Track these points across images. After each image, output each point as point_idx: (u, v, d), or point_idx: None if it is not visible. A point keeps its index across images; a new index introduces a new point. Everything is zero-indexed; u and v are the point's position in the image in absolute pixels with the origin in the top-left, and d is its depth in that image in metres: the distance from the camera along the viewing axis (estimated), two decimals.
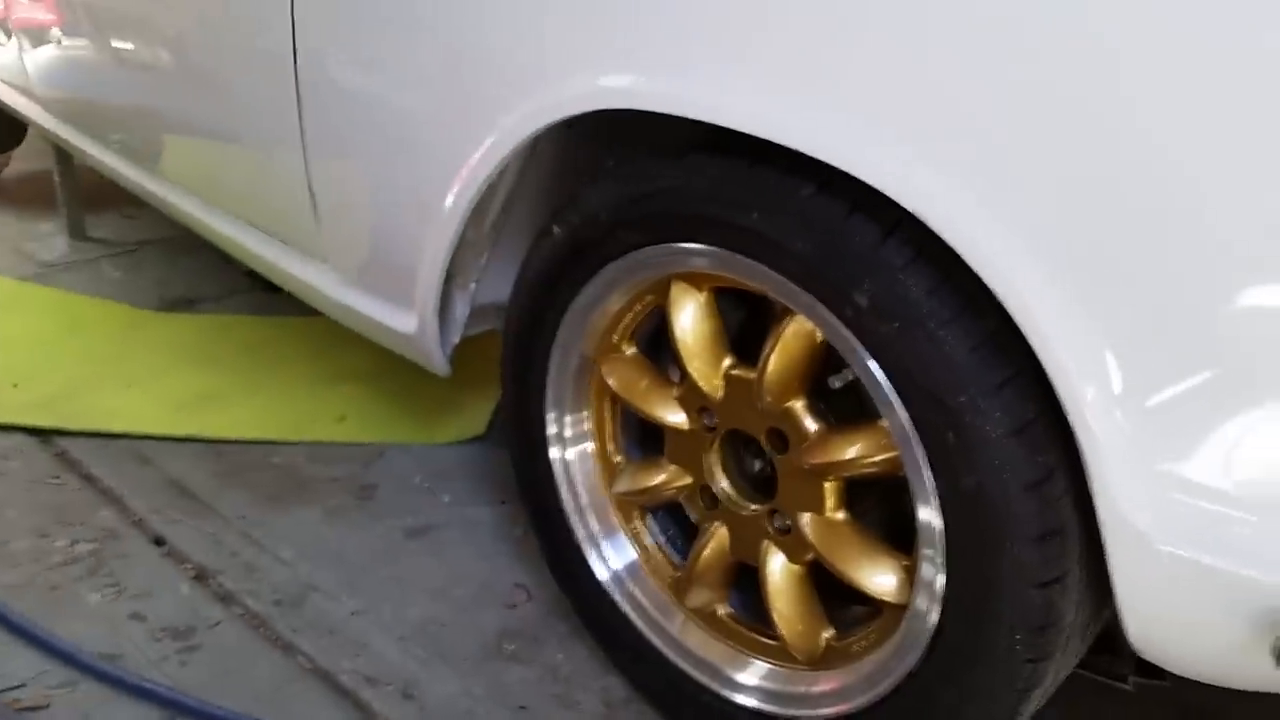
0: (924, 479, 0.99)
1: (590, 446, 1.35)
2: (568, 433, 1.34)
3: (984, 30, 0.83)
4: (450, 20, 1.23)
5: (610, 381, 1.30)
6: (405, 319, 1.49)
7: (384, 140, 1.38)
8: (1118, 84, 0.80)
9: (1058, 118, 0.82)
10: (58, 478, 1.83)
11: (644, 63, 1.04)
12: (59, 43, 2.21)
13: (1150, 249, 0.82)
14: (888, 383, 0.98)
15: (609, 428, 1.35)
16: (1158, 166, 0.80)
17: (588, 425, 1.34)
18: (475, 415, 2.05)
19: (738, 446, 1.24)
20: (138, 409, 2.04)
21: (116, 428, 1.97)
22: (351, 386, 2.16)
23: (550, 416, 1.33)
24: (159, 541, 1.66)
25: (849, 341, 1.00)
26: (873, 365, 0.98)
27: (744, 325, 1.23)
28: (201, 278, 2.64)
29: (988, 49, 0.83)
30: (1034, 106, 0.82)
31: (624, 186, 1.15)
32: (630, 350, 1.29)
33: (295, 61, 1.47)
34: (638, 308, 1.25)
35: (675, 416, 1.25)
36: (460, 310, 1.49)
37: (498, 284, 1.46)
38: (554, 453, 1.34)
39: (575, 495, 1.34)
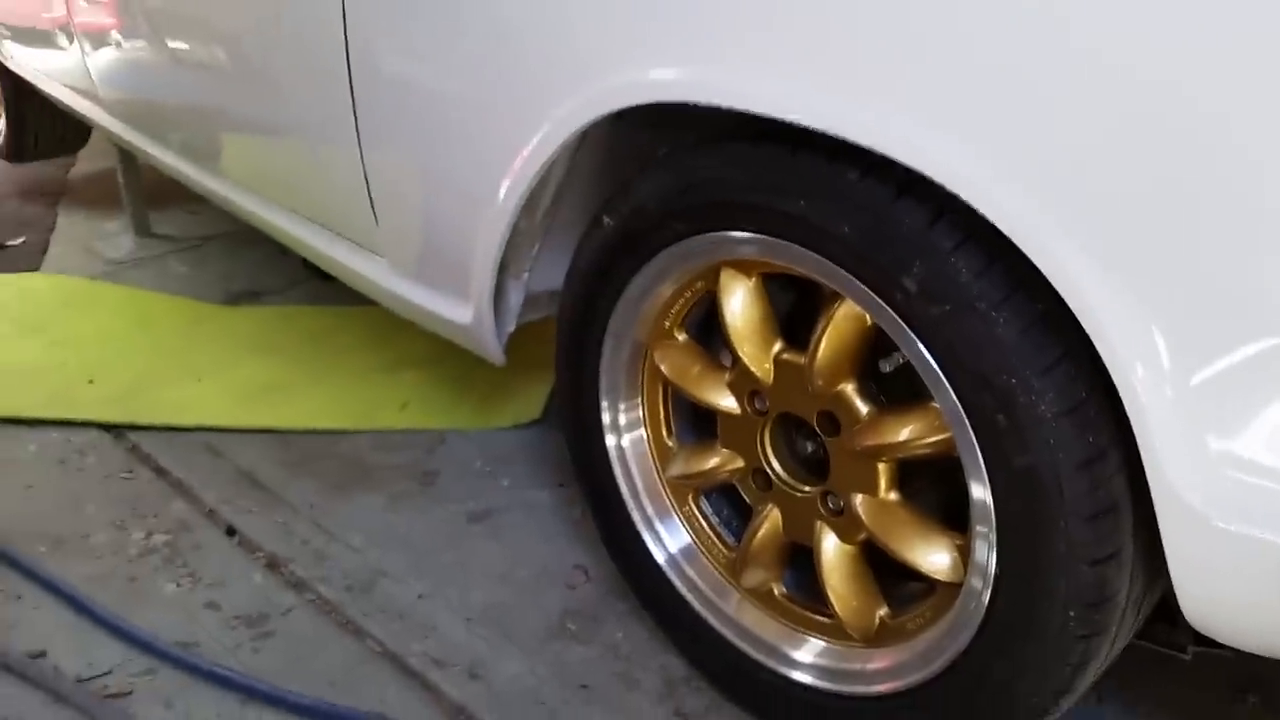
0: (977, 460, 0.99)
1: (644, 433, 1.37)
2: (622, 420, 1.36)
3: (1030, 16, 0.83)
4: (501, 13, 1.24)
5: (663, 368, 1.32)
6: (461, 310, 1.52)
7: (436, 134, 1.41)
8: (1162, 65, 0.79)
9: (1106, 98, 0.82)
10: (131, 472, 1.89)
11: (691, 56, 1.05)
12: (120, 46, 2.27)
13: (1199, 226, 0.82)
14: (938, 366, 0.98)
15: (662, 413, 1.37)
16: (1207, 143, 0.79)
17: (641, 411, 1.36)
18: (532, 400, 2.08)
19: (789, 429, 1.25)
20: (206, 402, 2.10)
21: (186, 421, 2.03)
22: (412, 373, 2.20)
23: (604, 404, 1.35)
24: (231, 531, 1.71)
25: (898, 325, 1.00)
26: (923, 349, 0.99)
27: (794, 308, 1.24)
28: (264, 270, 2.70)
29: (1034, 31, 0.83)
30: (1080, 87, 0.82)
31: (672, 177, 1.16)
32: (682, 337, 1.31)
33: (348, 57, 1.49)
34: (688, 294, 1.27)
35: (727, 401, 1.27)
36: (514, 299, 1.52)
37: (550, 272, 1.48)
38: (609, 440, 1.36)
39: (631, 480, 1.37)
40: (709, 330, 1.31)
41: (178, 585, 1.59)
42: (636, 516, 1.37)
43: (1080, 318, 0.87)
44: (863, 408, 1.13)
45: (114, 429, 2.03)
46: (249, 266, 2.74)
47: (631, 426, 1.37)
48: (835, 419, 1.15)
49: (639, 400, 1.36)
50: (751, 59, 1.00)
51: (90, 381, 2.19)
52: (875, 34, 0.92)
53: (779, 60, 0.98)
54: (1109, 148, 0.83)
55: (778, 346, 1.20)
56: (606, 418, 1.36)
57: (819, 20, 0.95)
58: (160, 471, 1.90)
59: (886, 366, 1.13)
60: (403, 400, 2.11)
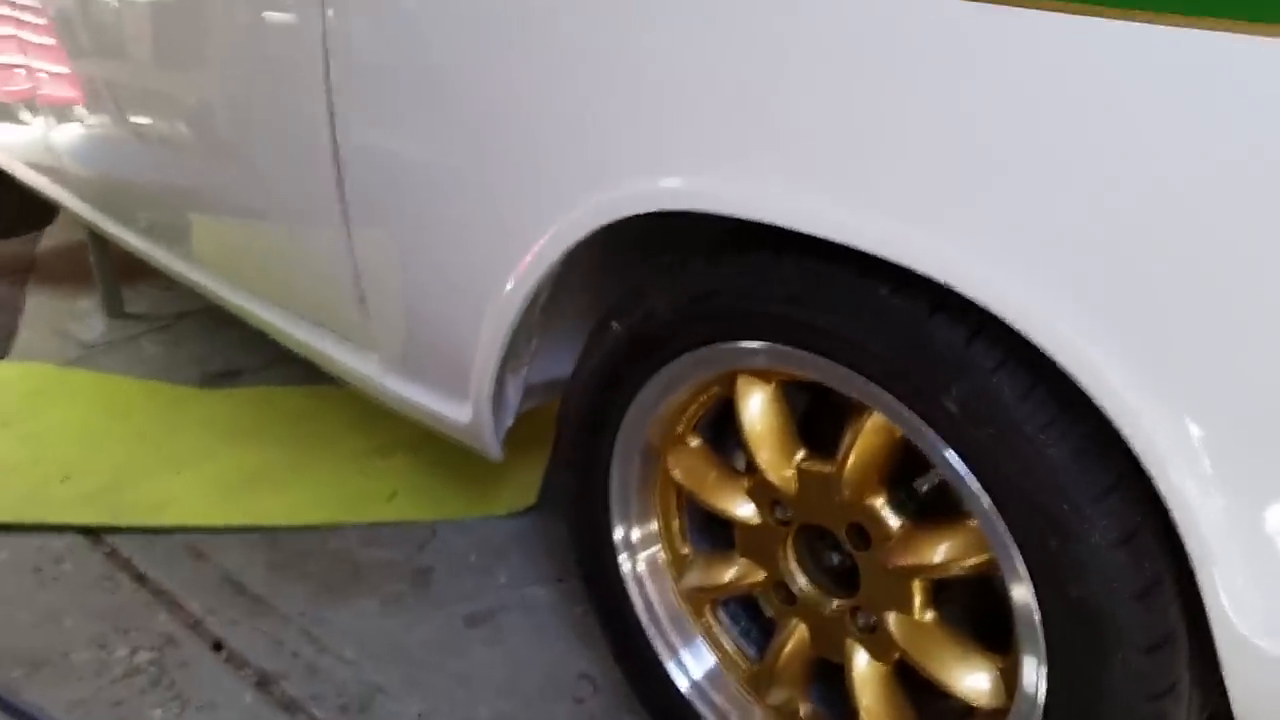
0: (1025, 586, 0.94)
1: (659, 551, 1.31)
2: (635, 536, 1.30)
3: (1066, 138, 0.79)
4: (515, 105, 1.18)
5: (676, 474, 1.26)
6: (459, 409, 1.46)
7: (437, 234, 1.35)
8: (1206, 185, 0.75)
9: (1155, 218, 0.77)
10: (111, 580, 1.81)
11: (716, 166, 1.00)
12: (87, 121, 2.20)
13: (1257, 352, 0.77)
14: (983, 489, 0.93)
15: (676, 520, 1.31)
16: (1270, 270, 0.75)
17: (656, 525, 1.30)
18: (525, 485, 2.02)
19: (814, 539, 1.19)
20: (187, 498, 2.02)
21: (167, 521, 1.95)
22: (400, 458, 2.13)
23: (616, 517, 1.29)
24: (218, 646, 1.63)
25: (937, 445, 0.95)
26: (965, 471, 0.93)
27: (815, 406, 1.19)
28: (241, 348, 2.62)
29: (1069, 154, 0.79)
30: (1124, 206, 0.78)
31: (686, 284, 1.11)
32: (696, 441, 1.25)
33: (334, 138, 1.43)
34: (703, 398, 1.21)
35: (745, 510, 1.21)
36: (513, 394, 1.45)
37: (547, 363, 1.43)
38: (623, 561, 1.30)
39: (648, 602, 1.30)
40: (724, 430, 1.26)
41: (164, 710, 1.51)
42: (652, 633, 1.30)
43: (1131, 443, 0.83)
44: (894, 522, 1.08)
45: (91, 532, 1.94)
46: (225, 345, 2.66)
47: (646, 544, 1.30)
48: (865, 532, 1.10)
49: (653, 514, 1.30)
50: (779, 171, 0.96)
51: (65, 479, 2.10)
52: (906, 151, 0.87)
53: (809, 174, 0.94)
54: (1157, 268, 0.78)
55: (800, 455, 1.15)
56: (618, 534, 1.29)
57: (850, 138, 0.90)
58: (141, 579, 1.82)
59: (923, 486, 1.07)
60: (391, 489, 2.04)
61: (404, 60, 1.28)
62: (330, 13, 1.33)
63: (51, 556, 1.88)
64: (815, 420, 1.19)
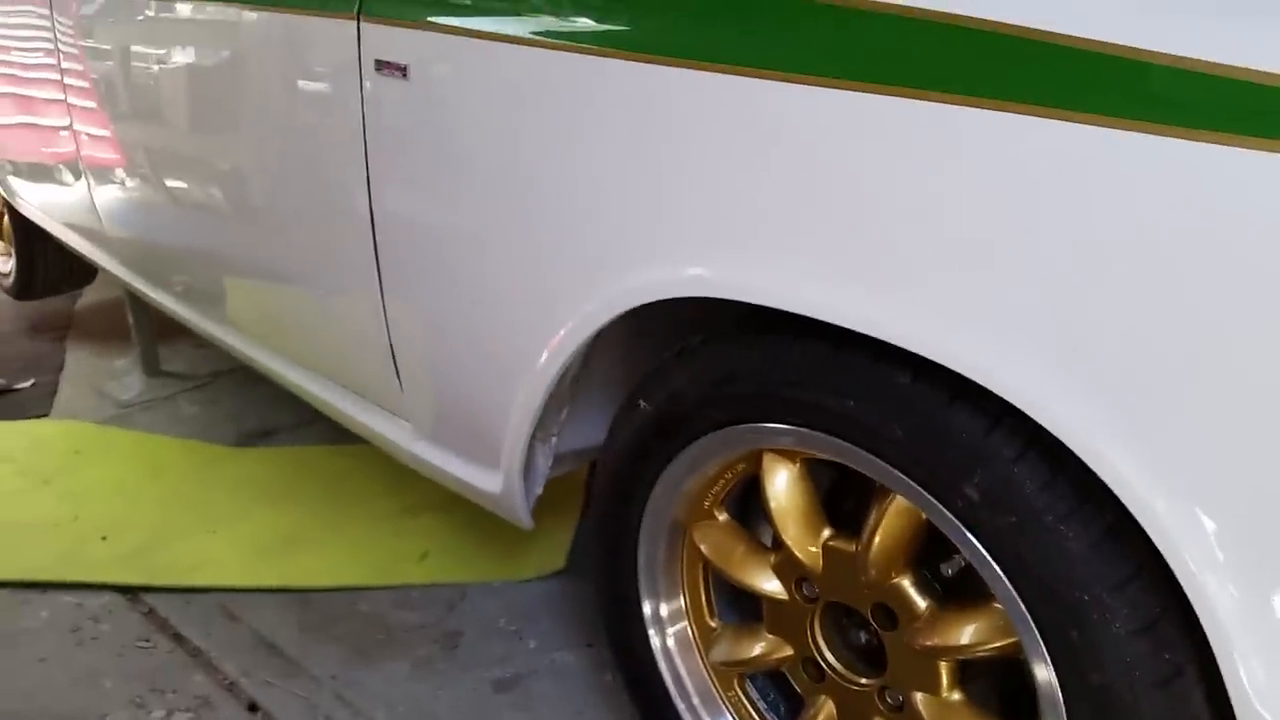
0: (1048, 671, 0.95)
1: (688, 628, 1.33)
2: (664, 611, 1.32)
3: (1085, 231, 0.81)
4: (556, 184, 1.21)
5: (703, 548, 1.28)
6: (490, 479, 1.49)
7: (470, 307, 1.38)
8: (1220, 285, 0.77)
9: (1166, 312, 0.79)
10: (148, 640, 1.84)
11: (727, 254, 1.03)
12: (130, 184, 2.26)
13: (1273, 444, 0.79)
14: (1005, 576, 0.95)
15: (703, 593, 1.33)
16: None
17: (683, 601, 1.32)
18: (554, 547, 2.04)
19: (841, 617, 1.21)
20: (222, 558, 2.06)
21: (202, 581, 1.99)
22: (430, 518, 2.16)
23: (644, 590, 1.31)
24: (253, 707, 1.66)
25: (959, 530, 0.97)
26: (988, 557, 0.95)
27: (841, 480, 1.21)
28: (275, 407, 2.67)
29: (1084, 251, 0.81)
30: (1143, 299, 0.80)
31: (709, 366, 1.14)
32: (723, 516, 1.27)
33: (370, 206, 1.47)
34: (729, 475, 1.24)
35: (772, 585, 1.23)
36: (543, 463, 1.48)
37: (577, 431, 1.45)
38: (652, 636, 1.32)
39: (678, 678, 1.32)
40: (751, 504, 1.28)
41: None
42: (681, 706, 1.32)
43: (1151, 534, 0.84)
44: (920, 602, 1.09)
45: (129, 590, 1.97)
46: (259, 403, 2.71)
47: (674, 619, 1.33)
48: (891, 612, 1.11)
49: (680, 589, 1.32)
50: (794, 260, 0.98)
51: (103, 538, 2.14)
52: (924, 243, 0.90)
53: (825, 263, 0.96)
54: (1173, 361, 0.80)
55: (826, 533, 1.17)
56: (647, 608, 1.32)
57: (867, 229, 0.93)
58: (178, 639, 1.85)
59: (948, 570, 1.09)
60: (422, 550, 2.07)
61: (439, 135, 1.32)
62: (368, 85, 1.38)
63: (90, 615, 1.92)
64: (842, 494, 1.21)
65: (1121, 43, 0.78)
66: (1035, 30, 0.81)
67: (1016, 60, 0.82)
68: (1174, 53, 0.76)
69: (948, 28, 0.85)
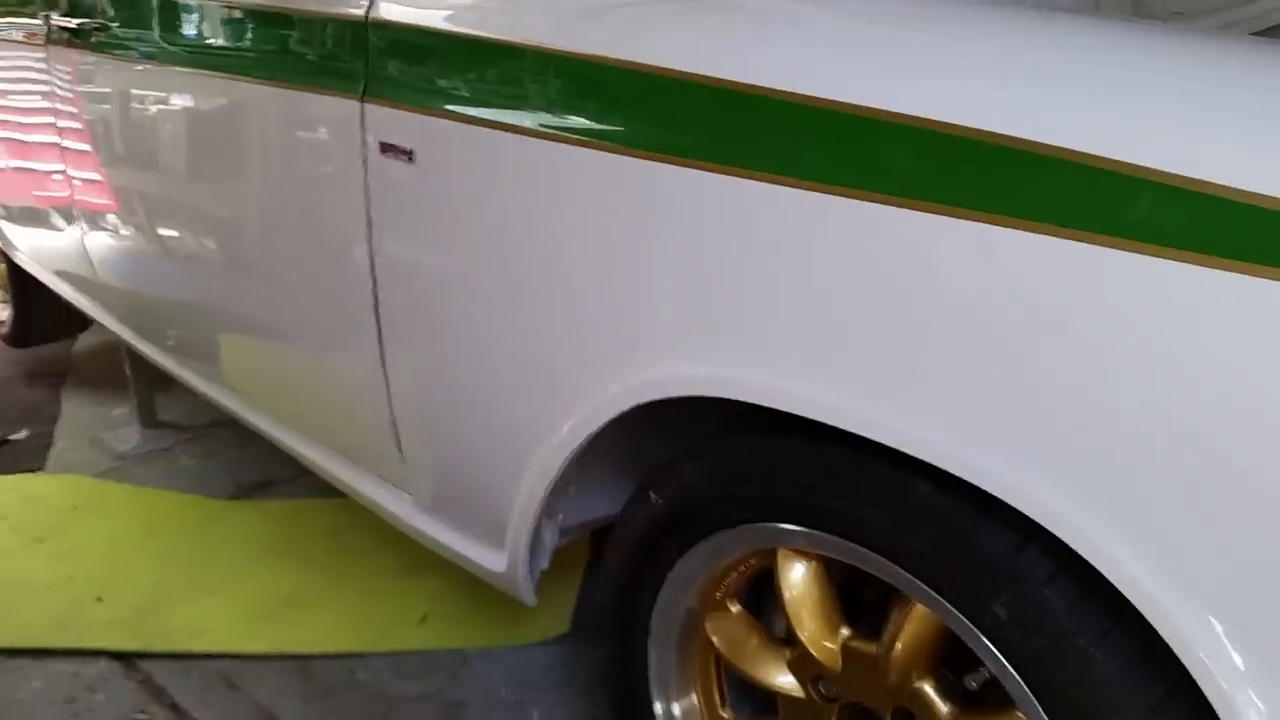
0: None
1: None
2: (675, 710, 1.29)
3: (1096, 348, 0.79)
4: (554, 287, 1.19)
5: (715, 640, 1.25)
6: (494, 557, 1.46)
7: (478, 396, 1.36)
8: (1244, 409, 0.75)
9: (1198, 432, 0.77)
10: (145, 712, 1.80)
11: (738, 355, 1.01)
12: (120, 233, 2.23)
13: None
14: (1034, 696, 0.92)
15: (715, 685, 1.30)
16: None
17: (695, 699, 1.29)
18: (557, 610, 2.01)
19: (861, 718, 1.18)
20: (221, 622, 2.02)
21: (200, 647, 1.95)
22: (431, 579, 2.12)
23: (655, 688, 1.28)
24: None
25: (988, 648, 0.94)
26: (1016, 677, 0.92)
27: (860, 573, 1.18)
28: (273, 458, 2.62)
29: (1106, 370, 0.79)
30: (1169, 420, 0.78)
31: (723, 463, 1.11)
32: (736, 608, 1.24)
33: (374, 273, 1.44)
34: (743, 568, 1.21)
35: (787, 681, 1.20)
36: (549, 539, 1.45)
37: (582, 506, 1.43)
38: None
39: None
40: (765, 593, 1.25)
41: None
42: None
43: (1183, 659, 0.82)
44: (943, 708, 1.07)
45: (125, 657, 1.94)
46: (257, 455, 2.67)
47: (688, 717, 1.29)
48: (912, 715, 1.08)
49: (692, 686, 1.29)
50: (807, 364, 0.96)
51: (99, 599, 2.11)
52: (941, 354, 0.88)
53: (839, 369, 0.94)
54: (1207, 485, 0.78)
55: (845, 632, 1.14)
56: (658, 708, 1.28)
57: (882, 338, 0.91)
58: (176, 709, 1.81)
59: (973, 683, 1.06)
60: (422, 613, 2.03)
61: (444, 220, 1.30)
62: (373, 166, 1.36)
63: (85, 684, 1.88)
64: (861, 582, 1.18)
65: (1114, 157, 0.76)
66: (1049, 146, 0.79)
67: (1038, 178, 0.80)
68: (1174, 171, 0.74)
69: (964, 142, 0.84)
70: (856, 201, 0.90)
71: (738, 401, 1.04)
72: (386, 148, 1.29)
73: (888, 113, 0.88)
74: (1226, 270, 0.73)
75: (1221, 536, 0.78)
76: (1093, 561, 0.83)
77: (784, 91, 0.94)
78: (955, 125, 0.84)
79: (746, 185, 0.96)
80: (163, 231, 2.08)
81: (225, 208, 1.81)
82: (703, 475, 1.13)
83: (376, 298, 1.44)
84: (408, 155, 1.26)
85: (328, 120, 1.40)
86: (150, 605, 2.09)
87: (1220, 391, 0.76)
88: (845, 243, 0.92)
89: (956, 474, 0.89)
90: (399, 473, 1.61)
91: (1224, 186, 0.73)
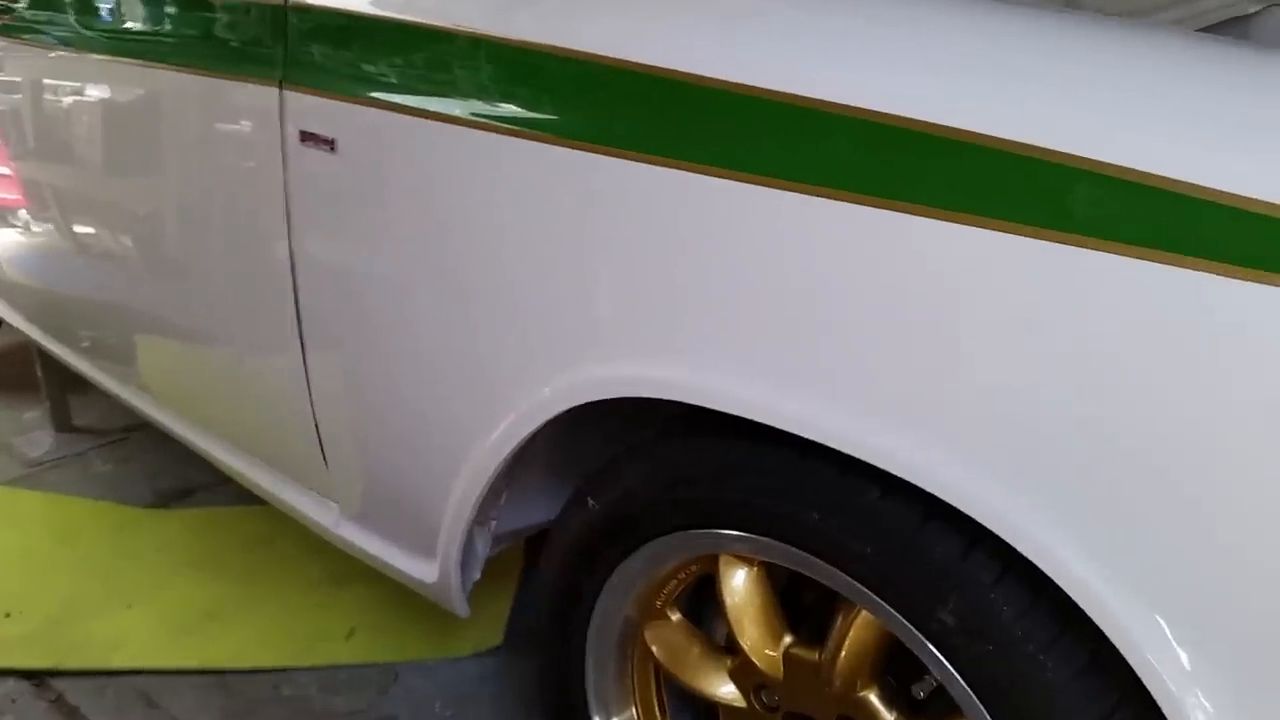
0: None
1: None
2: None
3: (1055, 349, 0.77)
4: (483, 283, 1.14)
5: (655, 650, 1.21)
6: (425, 568, 1.41)
7: (404, 395, 1.30)
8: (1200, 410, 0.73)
9: (1150, 429, 0.75)
10: None
11: (697, 358, 0.97)
12: (30, 229, 2.13)
13: (1259, 574, 0.75)
14: (982, 704, 0.89)
15: (655, 696, 1.26)
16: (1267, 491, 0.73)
17: (633, 711, 1.25)
18: (490, 621, 1.95)
19: None
20: (138, 636, 1.94)
21: (116, 663, 1.87)
22: (358, 589, 2.05)
23: (593, 702, 1.24)
24: None
25: (934, 655, 0.91)
26: (963, 684, 0.90)
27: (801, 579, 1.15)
28: (193, 465, 2.53)
29: (1061, 368, 0.77)
30: (1121, 419, 0.76)
31: (663, 467, 1.07)
32: (676, 616, 1.21)
33: (294, 278, 1.38)
34: (683, 575, 1.17)
35: (728, 690, 1.16)
36: (481, 548, 1.41)
37: (515, 513, 1.38)
38: None
39: None
40: (706, 600, 1.22)
41: None
42: None
43: (1135, 667, 0.80)
44: (888, 716, 1.04)
45: (35, 675, 1.84)
46: (177, 460, 2.58)
47: None
48: None
49: (630, 699, 1.24)
50: (749, 363, 0.93)
51: (7, 615, 2.01)
52: (890, 352, 0.85)
53: (790, 372, 0.91)
54: (1154, 485, 0.76)
55: (787, 640, 1.11)
56: (597, 719, 1.24)
57: (829, 333, 0.88)
58: None
59: (920, 692, 1.03)
60: (349, 626, 1.97)
61: (367, 211, 1.24)
62: (293, 155, 1.30)
63: None
64: (802, 587, 1.15)
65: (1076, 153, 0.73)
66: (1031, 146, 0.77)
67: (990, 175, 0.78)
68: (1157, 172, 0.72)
69: (898, 132, 0.81)
70: (796, 195, 0.86)
71: (678, 404, 1.00)
72: (306, 137, 1.23)
73: (826, 102, 0.84)
74: (1165, 264, 0.72)
75: (1168, 536, 0.76)
76: (1040, 564, 0.81)
77: (721, 81, 0.90)
78: (891, 115, 0.81)
79: (684, 178, 0.93)
80: (76, 227, 1.99)
81: (141, 202, 1.73)
82: (642, 479, 1.09)
83: (297, 296, 1.38)
84: (329, 145, 1.21)
85: (246, 109, 1.33)
86: (63, 619, 1.99)
87: (1164, 390, 0.73)
88: (785, 238, 0.88)
89: (902, 477, 0.86)
90: (324, 480, 1.55)
91: (1160, 177, 0.71)
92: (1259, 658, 0.76)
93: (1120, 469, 0.76)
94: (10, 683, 1.83)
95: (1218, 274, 0.70)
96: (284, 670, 1.85)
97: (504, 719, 1.72)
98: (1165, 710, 0.79)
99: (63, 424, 2.73)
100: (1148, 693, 0.80)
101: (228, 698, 1.79)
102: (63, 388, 2.75)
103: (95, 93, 1.77)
